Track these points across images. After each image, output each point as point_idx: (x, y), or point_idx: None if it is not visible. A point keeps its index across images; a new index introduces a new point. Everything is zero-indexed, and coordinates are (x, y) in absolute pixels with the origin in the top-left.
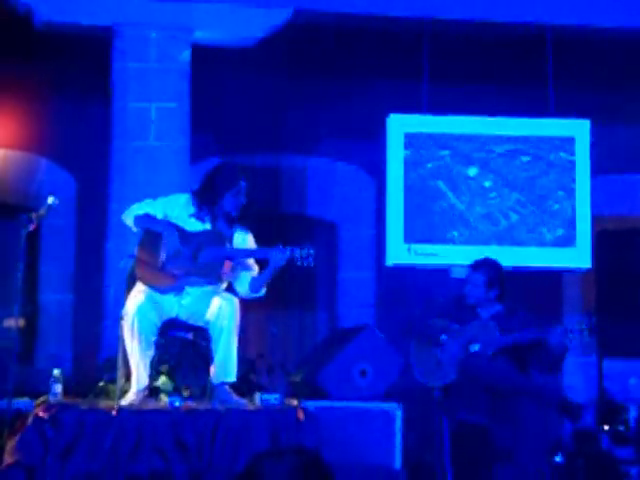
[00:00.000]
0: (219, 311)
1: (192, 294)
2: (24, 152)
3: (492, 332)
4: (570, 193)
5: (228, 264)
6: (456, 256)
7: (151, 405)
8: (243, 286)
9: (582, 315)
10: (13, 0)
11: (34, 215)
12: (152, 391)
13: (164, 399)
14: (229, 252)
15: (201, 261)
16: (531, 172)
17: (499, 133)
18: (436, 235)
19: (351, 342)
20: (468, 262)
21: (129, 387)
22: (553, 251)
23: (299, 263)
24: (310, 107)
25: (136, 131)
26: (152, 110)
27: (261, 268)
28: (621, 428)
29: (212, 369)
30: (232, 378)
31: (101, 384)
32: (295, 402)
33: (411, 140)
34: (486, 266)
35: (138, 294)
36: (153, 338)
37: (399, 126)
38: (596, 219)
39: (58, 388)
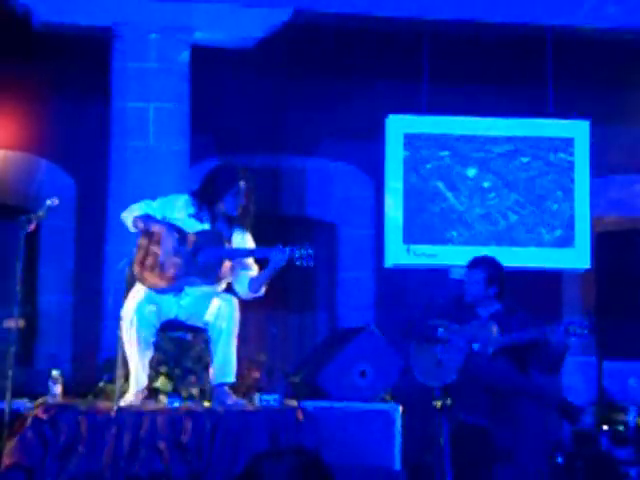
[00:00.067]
0: (218, 312)
1: (191, 294)
2: (23, 153)
3: (492, 332)
4: (569, 194)
5: (227, 264)
6: (455, 257)
7: (150, 406)
8: (242, 286)
9: (582, 315)
10: (12, 0)
11: (33, 216)
12: (151, 392)
13: (163, 400)
14: (228, 252)
15: (200, 261)
16: (530, 173)
17: (498, 134)
18: (435, 236)
19: (351, 343)
20: (467, 263)
21: (128, 388)
22: (552, 251)
23: (299, 263)
24: (309, 108)
25: (135, 131)
26: (151, 110)
27: (260, 268)
28: (621, 429)
29: (211, 370)
30: (231, 379)
31: (100, 385)
32: (295, 403)
33: (410, 141)
34: (485, 263)
35: (137, 295)
36: (152, 339)
37: (398, 127)
38: (595, 220)
39: (57, 389)
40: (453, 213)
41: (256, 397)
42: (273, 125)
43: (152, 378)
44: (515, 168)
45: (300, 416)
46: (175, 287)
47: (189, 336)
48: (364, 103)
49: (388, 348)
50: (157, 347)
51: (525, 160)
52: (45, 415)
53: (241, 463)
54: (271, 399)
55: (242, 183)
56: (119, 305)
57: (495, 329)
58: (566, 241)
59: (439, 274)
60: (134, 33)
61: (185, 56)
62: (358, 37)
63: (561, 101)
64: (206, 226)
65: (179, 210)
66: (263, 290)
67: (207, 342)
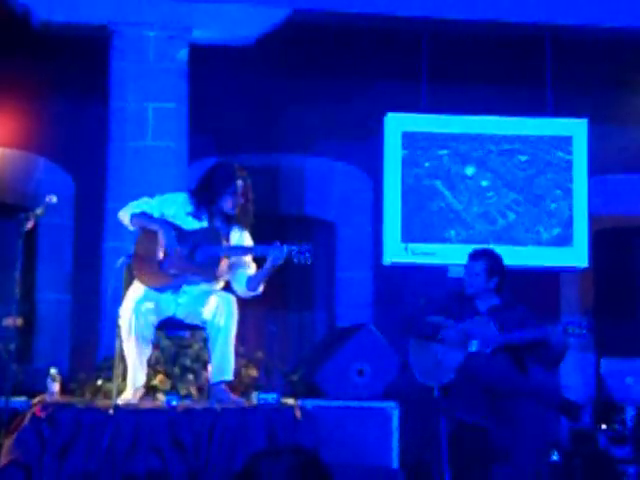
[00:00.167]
0: (216, 310)
1: (189, 293)
2: (22, 151)
3: (491, 329)
4: (567, 192)
5: (225, 262)
6: (453, 255)
7: (148, 404)
8: (240, 284)
9: (580, 314)
10: (11, 0)
11: (32, 214)
12: (149, 390)
13: (161, 398)
14: (226, 250)
15: (198, 259)
16: (529, 171)
17: (497, 132)
18: (433, 234)
19: (349, 341)
20: (465, 262)
21: (126, 386)
22: (550, 250)
23: (296, 260)
24: (308, 106)
25: (134, 131)
26: (150, 110)
27: (259, 266)
28: (618, 427)
29: (209, 368)
30: (229, 377)
31: (98, 383)
32: (293, 401)
33: (409, 139)
34: (486, 255)
35: (135, 293)
36: (150, 337)
37: (397, 125)
38: (594, 219)
39: (55, 387)
40: (451, 212)
41: (254, 395)
42: (271, 124)
43: (150, 376)
44: (513, 167)
45: (298, 414)
46: (173, 285)
47: (187, 334)
48: (363, 102)
49: (386, 347)
50: (155, 345)
51: (523, 159)
52: (43, 413)
53: (239, 461)
54: (269, 397)
55: (239, 182)
56: (117, 303)
57: (494, 328)
58: (564, 240)
59: (437, 273)
60: (132, 32)
61: (184, 55)
62: (357, 36)
63: (560, 100)
64: (204, 224)
65: (177, 208)
66: (261, 288)
67: (205, 340)
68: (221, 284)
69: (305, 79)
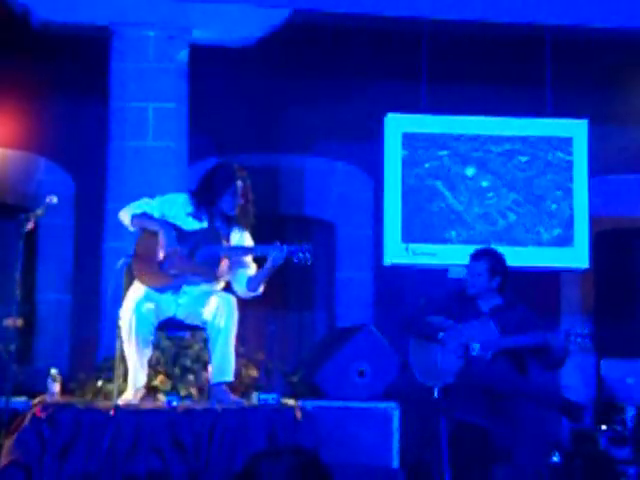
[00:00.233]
0: (216, 310)
1: (189, 293)
2: (22, 152)
3: (492, 333)
4: (568, 193)
5: (225, 262)
6: (454, 256)
7: (148, 405)
8: (241, 285)
9: (581, 315)
10: (11, 0)
11: (32, 214)
12: (150, 390)
13: (161, 398)
14: (226, 250)
15: (198, 260)
16: (529, 172)
17: (497, 133)
18: (434, 235)
19: (349, 342)
20: (466, 262)
21: (126, 387)
22: (551, 251)
23: (297, 261)
24: (308, 107)
25: (134, 131)
26: (150, 110)
27: (259, 267)
28: (619, 428)
29: (209, 369)
30: (229, 378)
31: (99, 384)
32: (293, 402)
33: (409, 140)
34: (488, 255)
35: (135, 293)
36: (150, 337)
37: (397, 126)
38: (594, 219)
39: (55, 387)
40: (452, 212)
41: (254, 396)
42: (271, 124)
43: (150, 377)
44: (514, 167)
45: (298, 415)
46: (173, 286)
47: (188, 335)
48: (363, 102)
49: (386, 347)
50: (156, 346)
51: (524, 159)
52: (43, 414)
53: (239, 462)
54: (269, 398)
55: (239, 182)
56: (118, 304)
57: (496, 331)
58: (565, 240)
59: (438, 273)
60: (132, 32)
61: (184, 55)
62: (357, 36)
63: (560, 101)
64: (204, 225)
65: (177, 209)
66: (261, 289)
67: (205, 341)
68: (221, 284)
69: (305, 79)
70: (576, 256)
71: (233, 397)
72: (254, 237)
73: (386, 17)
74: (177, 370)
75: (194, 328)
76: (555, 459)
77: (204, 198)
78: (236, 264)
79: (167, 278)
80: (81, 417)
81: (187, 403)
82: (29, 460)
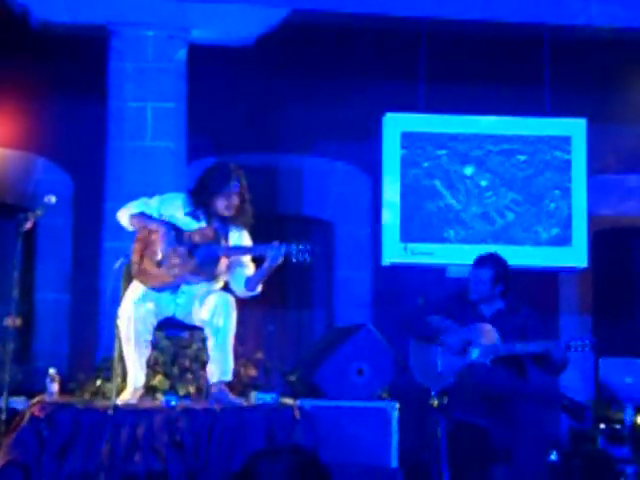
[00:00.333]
0: (215, 310)
1: (188, 293)
2: (21, 151)
3: (493, 338)
4: (566, 192)
5: (224, 262)
6: (452, 255)
7: (147, 404)
8: (239, 284)
9: (579, 314)
10: (10, 0)
11: (31, 214)
12: (148, 390)
13: (160, 398)
14: (225, 250)
15: (197, 259)
16: (527, 171)
17: (496, 132)
18: (432, 234)
19: (348, 341)
20: (464, 261)
21: (125, 386)
22: (549, 250)
23: (295, 260)
24: (307, 106)
25: (133, 131)
26: (149, 109)
27: (257, 266)
28: (617, 427)
29: (208, 368)
30: (228, 377)
31: (97, 383)
32: (292, 401)
33: (407, 139)
34: (492, 262)
35: (134, 293)
36: (149, 337)
37: (395, 125)
38: (593, 219)
39: (54, 387)
40: (450, 212)
41: (253, 395)
42: (270, 124)
43: (149, 376)
44: (512, 167)
45: (297, 414)
46: (172, 285)
47: (186, 334)
48: (361, 102)
49: (385, 346)
50: (154, 345)
51: (522, 159)
52: (42, 413)
53: (238, 461)
54: (268, 397)
55: (234, 183)
56: (116, 303)
57: (496, 337)
58: (563, 240)
59: (436, 273)
60: (131, 32)
61: (182, 55)
62: (355, 36)
63: (558, 100)
64: (202, 224)
65: (176, 208)
66: (260, 288)
67: (204, 340)
68: (220, 284)
69: (304, 79)
70: (574, 255)
71: (232, 397)
72: (253, 237)
73: (385, 17)
74: (176, 370)
75: (193, 328)
76: (554, 458)
77: (200, 198)
78: (234, 264)
79: (165, 278)
80: (80, 417)
81: (186, 403)
82: (28, 460)
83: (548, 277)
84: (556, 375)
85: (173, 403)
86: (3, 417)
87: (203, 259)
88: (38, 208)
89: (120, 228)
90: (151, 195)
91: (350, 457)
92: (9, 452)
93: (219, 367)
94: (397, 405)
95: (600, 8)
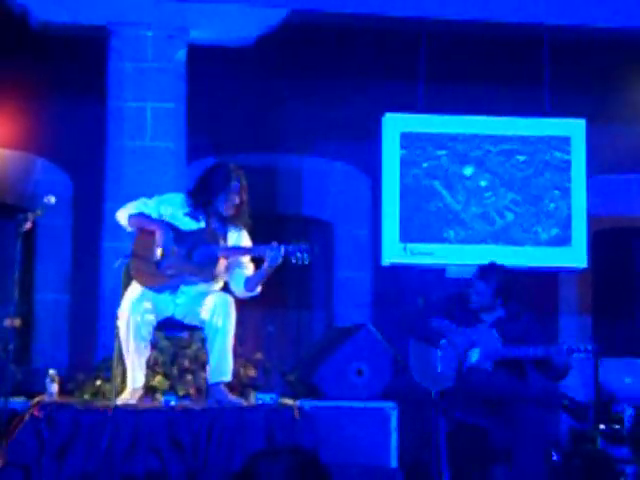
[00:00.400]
0: (214, 310)
1: (187, 293)
2: (20, 151)
3: (494, 341)
4: (566, 192)
5: (223, 262)
6: (452, 255)
7: (147, 404)
8: (238, 285)
9: (579, 315)
10: (9, 0)
11: (30, 214)
12: (148, 390)
13: (160, 398)
14: (224, 250)
15: (196, 260)
16: (527, 171)
17: (495, 133)
18: (432, 234)
19: (347, 341)
20: (464, 261)
21: (125, 387)
22: (549, 250)
23: (294, 260)
24: (306, 107)
25: (132, 131)
26: (148, 110)
27: (257, 267)
28: (617, 427)
29: (207, 368)
30: (227, 377)
31: (97, 384)
32: (291, 401)
33: (407, 139)
34: (493, 274)
35: (133, 293)
36: (148, 337)
37: (395, 126)
38: (592, 219)
39: (54, 388)
40: (450, 212)
41: (252, 396)
42: (269, 124)
43: (149, 377)
44: (512, 167)
45: (297, 415)
46: (171, 286)
47: (186, 335)
48: (361, 102)
49: (385, 347)
50: (154, 346)
51: (522, 159)
52: (42, 414)
53: (237, 462)
54: (268, 398)
55: (234, 183)
56: (116, 304)
57: (497, 339)
58: (563, 240)
59: (436, 273)
60: (131, 32)
61: (182, 55)
62: (355, 36)
63: (558, 100)
64: (202, 225)
65: (175, 209)
66: (259, 289)
67: (204, 341)
68: (219, 284)
69: (303, 79)
70: (574, 256)
71: (231, 397)
72: (252, 237)
73: (384, 17)
74: (175, 370)
75: (192, 328)
76: (554, 458)
77: (201, 198)
78: (234, 264)
79: (164, 278)
80: (79, 417)
81: (185, 403)
82: (27, 460)
83: (548, 277)
84: (557, 381)
85: (172, 403)
86: (3, 418)
87: (202, 260)
88: (38, 208)
89: (119, 228)
90: (150, 195)
91: (350, 457)
92: (9, 453)
93: (218, 367)
94: (396, 405)
95: (599, 8)
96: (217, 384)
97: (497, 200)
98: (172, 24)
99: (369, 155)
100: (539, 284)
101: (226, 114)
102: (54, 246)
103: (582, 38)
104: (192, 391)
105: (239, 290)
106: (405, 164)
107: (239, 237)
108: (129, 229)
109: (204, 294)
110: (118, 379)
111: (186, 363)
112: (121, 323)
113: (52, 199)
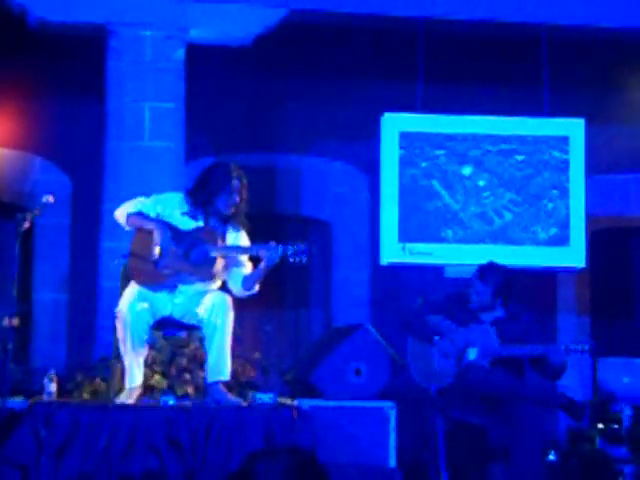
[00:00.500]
0: (212, 309)
1: (185, 292)
2: (19, 151)
3: (492, 340)
4: (564, 192)
5: (221, 262)
6: (450, 255)
7: (145, 404)
8: (236, 284)
9: (577, 314)
10: None
11: (28, 214)
12: (146, 390)
13: (158, 398)
14: (222, 250)
15: (194, 259)
16: (525, 171)
17: (494, 132)
18: (430, 234)
19: (345, 341)
20: (462, 261)
21: (123, 386)
22: (547, 250)
23: (292, 260)
24: (305, 106)
25: (131, 130)
26: (147, 109)
27: (254, 265)
28: (615, 427)
29: (206, 368)
30: (226, 377)
31: (95, 383)
32: (290, 401)
33: (406, 139)
34: (492, 274)
35: (131, 293)
36: (146, 337)
37: (394, 125)
38: (591, 219)
39: (52, 387)
40: (448, 212)
41: (251, 395)
42: (268, 124)
43: (147, 376)
44: (510, 167)
45: (295, 414)
46: (169, 285)
47: (184, 334)
48: (360, 102)
49: (383, 347)
50: (152, 345)
51: (520, 159)
52: (40, 413)
53: (236, 461)
54: (266, 397)
55: (235, 182)
56: (114, 303)
57: (495, 338)
58: (561, 240)
59: (434, 272)
60: (129, 32)
61: (180, 54)
62: (354, 36)
63: (556, 100)
64: (200, 224)
65: (173, 208)
66: (257, 288)
67: (202, 340)
68: (217, 284)
69: (302, 79)
70: (572, 255)
71: (230, 396)
72: (251, 236)
73: (383, 16)
74: (173, 369)
75: (190, 327)
76: (551, 458)
77: (200, 197)
78: (231, 263)
79: (162, 277)
80: (78, 417)
81: (184, 402)
82: (26, 460)
83: (546, 277)
84: (554, 379)
85: (171, 403)
86: (1, 417)
87: (199, 259)
88: (36, 208)
89: (118, 228)
90: (149, 195)
91: (348, 457)
92: (7, 452)
93: (217, 367)
94: (395, 405)
95: (598, 8)
96: (215, 383)
97: (496, 200)
98: (171, 24)
99: (368, 155)
100: (537, 284)
101: (225, 114)
102: (52, 246)
103: (581, 38)
104: (190, 390)
105: (237, 289)
106: (404, 164)
107: (237, 237)
108: (127, 228)
109: (202, 293)
110: (116, 379)
111: (184, 362)
112: (119, 322)
113: (50, 198)
